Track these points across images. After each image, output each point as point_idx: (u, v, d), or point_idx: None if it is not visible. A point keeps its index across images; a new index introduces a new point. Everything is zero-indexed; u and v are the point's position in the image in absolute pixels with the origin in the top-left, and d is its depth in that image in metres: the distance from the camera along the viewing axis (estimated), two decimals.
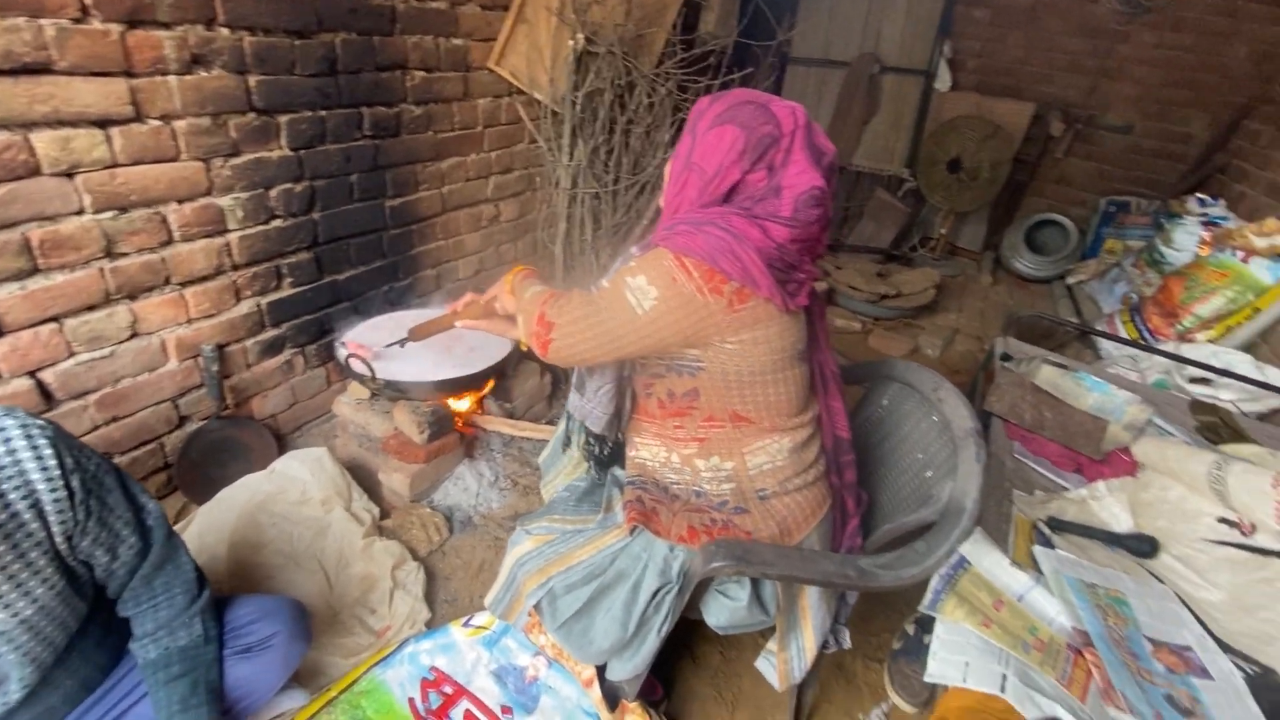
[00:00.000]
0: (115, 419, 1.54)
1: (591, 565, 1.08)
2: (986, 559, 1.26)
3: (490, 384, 2.01)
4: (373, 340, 1.86)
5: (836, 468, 1.15)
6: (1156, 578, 1.35)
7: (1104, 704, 0.99)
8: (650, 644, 1.07)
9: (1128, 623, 1.19)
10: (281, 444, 1.92)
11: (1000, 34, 4.11)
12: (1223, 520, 1.34)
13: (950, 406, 1.10)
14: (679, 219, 0.96)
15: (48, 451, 0.83)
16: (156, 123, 1.41)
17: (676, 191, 1.01)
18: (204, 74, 1.46)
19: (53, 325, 1.37)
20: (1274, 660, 1.15)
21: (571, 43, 2.07)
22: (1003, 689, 1.00)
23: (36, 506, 0.82)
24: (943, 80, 4.13)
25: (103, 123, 1.33)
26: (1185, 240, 2.96)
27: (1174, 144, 3.92)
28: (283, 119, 1.65)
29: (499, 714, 1.30)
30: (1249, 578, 1.26)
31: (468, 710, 1.31)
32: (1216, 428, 1.82)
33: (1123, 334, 2.75)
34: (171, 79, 1.41)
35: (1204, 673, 1.13)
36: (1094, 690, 1.03)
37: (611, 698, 1.24)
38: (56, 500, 0.84)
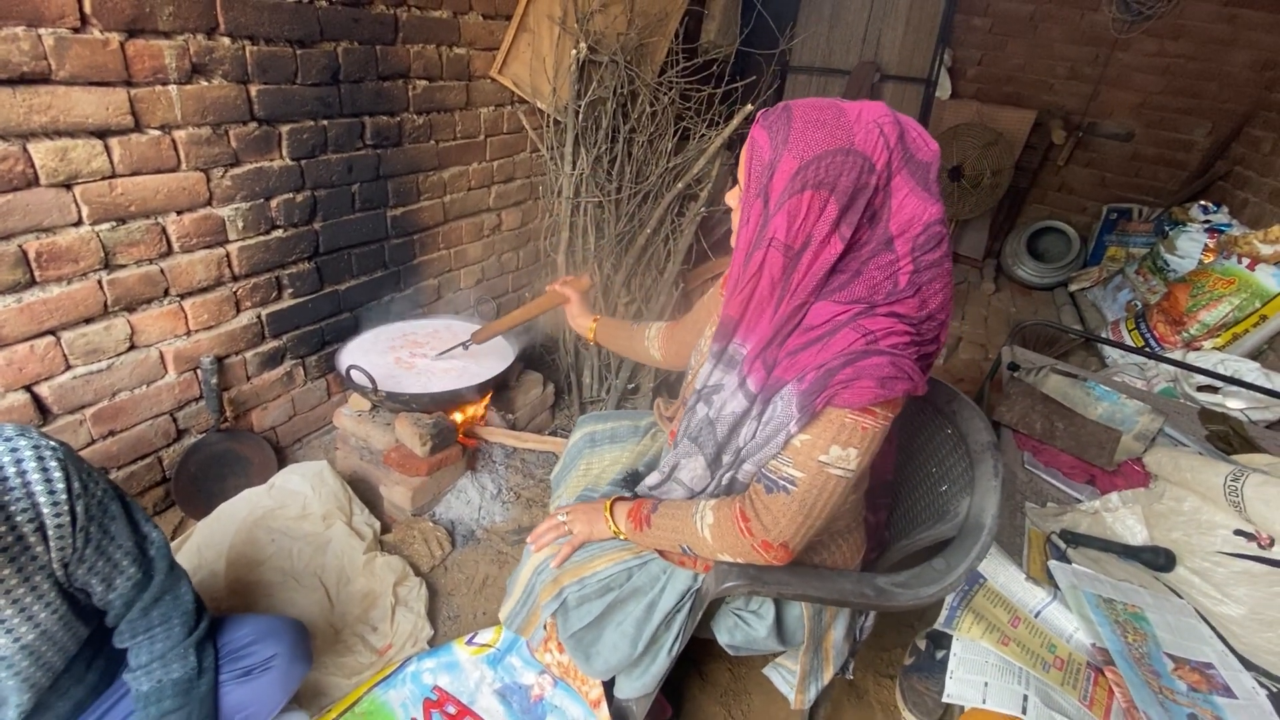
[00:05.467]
0: (112, 433, 1.51)
1: (608, 578, 1.06)
2: (1002, 574, 1.24)
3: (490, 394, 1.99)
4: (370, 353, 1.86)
5: (873, 507, 1.12)
6: (1174, 592, 1.33)
7: None
8: (660, 664, 1.04)
9: (1147, 639, 1.16)
10: (281, 457, 1.89)
11: (1000, 42, 4.12)
12: (1239, 532, 1.32)
13: (965, 419, 1.08)
14: (823, 358, 0.81)
15: (57, 474, 0.82)
16: (156, 133, 1.39)
17: (749, 265, 0.84)
18: (205, 83, 1.44)
19: (49, 338, 1.34)
20: None
21: (574, 51, 2.06)
22: (1024, 710, 0.98)
23: (41, 530, 0.81)
24: (943, 88, 4.14)
25: (102, 133, 1.31)
26: (1189, 247, 2.95)
27: (1175, 151, 3.92)
28: (284, 128, 1.63)
29: None
30: (1268, 591, 1.23)
31: None
32: (1227, 436, 1.81)
33: (1128, 341, 2.73)
34: (172, 88, 1.39)
35: (1227, 691, 1.10)
36: (1116, 710, 1.01)
37: (620, 719, 1.21)
38: (59, 525, 0.82)
